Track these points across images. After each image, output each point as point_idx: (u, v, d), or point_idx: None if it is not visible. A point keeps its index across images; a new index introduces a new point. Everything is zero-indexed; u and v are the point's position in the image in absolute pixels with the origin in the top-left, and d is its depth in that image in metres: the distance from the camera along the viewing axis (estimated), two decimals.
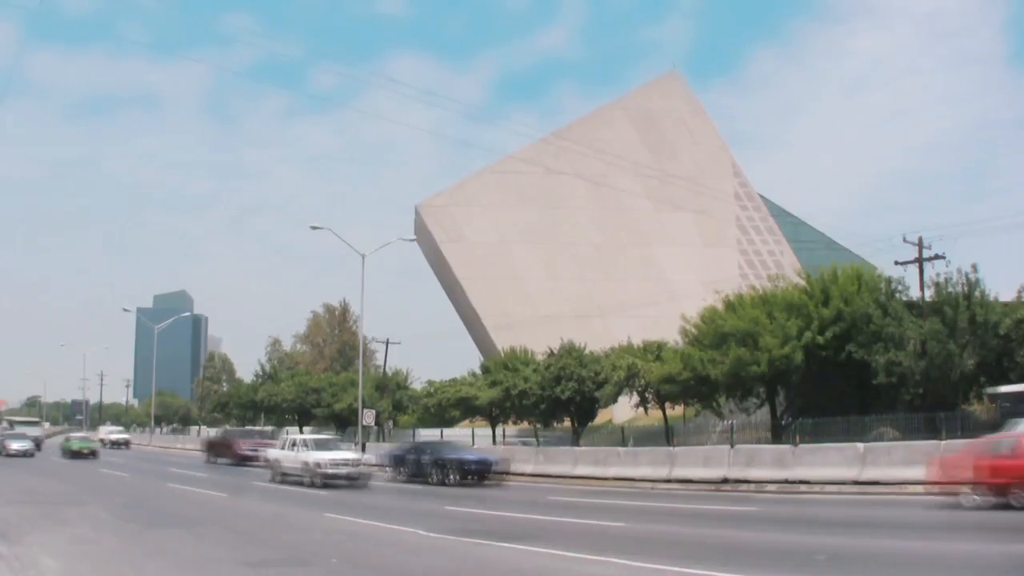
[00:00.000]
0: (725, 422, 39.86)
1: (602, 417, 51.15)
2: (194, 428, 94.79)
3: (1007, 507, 17.19)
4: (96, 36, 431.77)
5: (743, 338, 34.46)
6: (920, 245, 32.38)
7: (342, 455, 28.67)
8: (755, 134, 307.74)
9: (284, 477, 29.22)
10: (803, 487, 24.23)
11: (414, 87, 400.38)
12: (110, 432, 71.84)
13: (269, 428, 66.91)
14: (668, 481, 27.76)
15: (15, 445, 47.15)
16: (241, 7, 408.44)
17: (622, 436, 36.72)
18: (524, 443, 44.10)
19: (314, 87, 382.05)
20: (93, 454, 47.65)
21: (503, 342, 64.16)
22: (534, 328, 63.96)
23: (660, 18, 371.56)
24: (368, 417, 48.22)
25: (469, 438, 42.62)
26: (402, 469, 32.26)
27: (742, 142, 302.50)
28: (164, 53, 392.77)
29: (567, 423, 48.99)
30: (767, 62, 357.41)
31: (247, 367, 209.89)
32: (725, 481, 26.23)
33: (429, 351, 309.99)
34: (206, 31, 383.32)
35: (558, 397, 45.88)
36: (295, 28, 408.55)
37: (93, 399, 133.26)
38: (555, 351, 48.66)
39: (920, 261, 32.33)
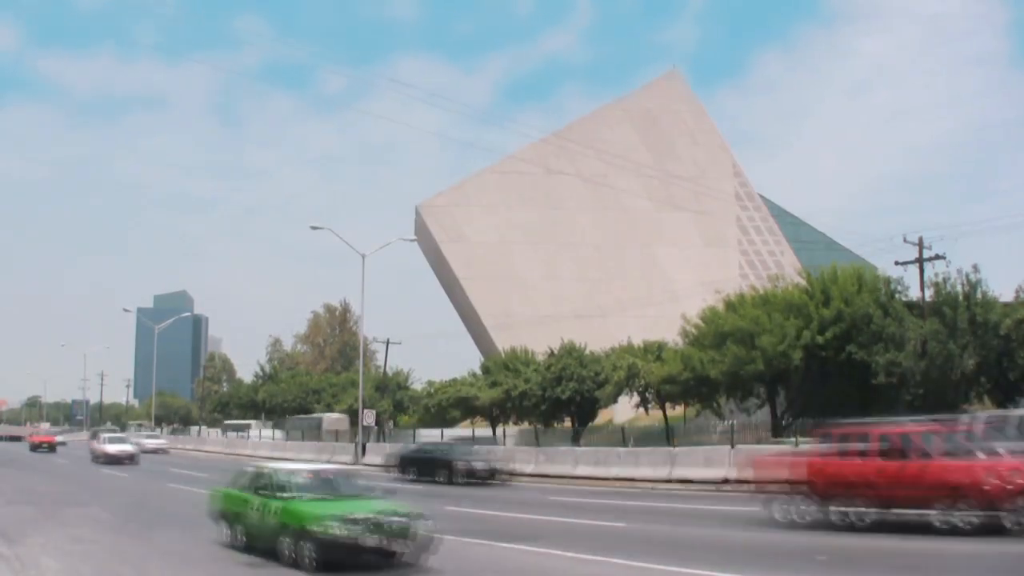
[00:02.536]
0: (725, 422, 39.85)
1: (602, 417, 51.14)
2: (194, 428, 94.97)
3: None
4: (104, 38, 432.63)
5: (742, 337, 34.47)
6: (920, 245, 32.35)
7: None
8: (758, 135, 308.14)
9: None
10: None
11: (420, 89, 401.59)
12: None
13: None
14: (669, 481, 27.75)
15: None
16: (250, 9, 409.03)
17: (622, 436, 36.71)
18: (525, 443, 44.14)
19: (321, 89, 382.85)
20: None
21: (503, 342, 64.18)
22: (534, 328, 63.95)
23: (666, 21, 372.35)
24: (368, 417, 48.23)
25: (469, 438, 42.66)
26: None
27: (745, 143, 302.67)
28: (172, 55, 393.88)
29: (567, 423, 48.99)
30: (771, 64, 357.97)
31: (247, 367, 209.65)
32: (726, 481, 26.22)
33: (429, 351, 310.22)
34: (214, 33, 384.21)
35: (558, 397, 45.86)
36: (304, 30, 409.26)
37: (93, 399, 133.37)
38: (555, 351, 48.65)
39: (920, 261, 32.29)
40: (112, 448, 41.60)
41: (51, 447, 59.87)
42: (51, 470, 37.43)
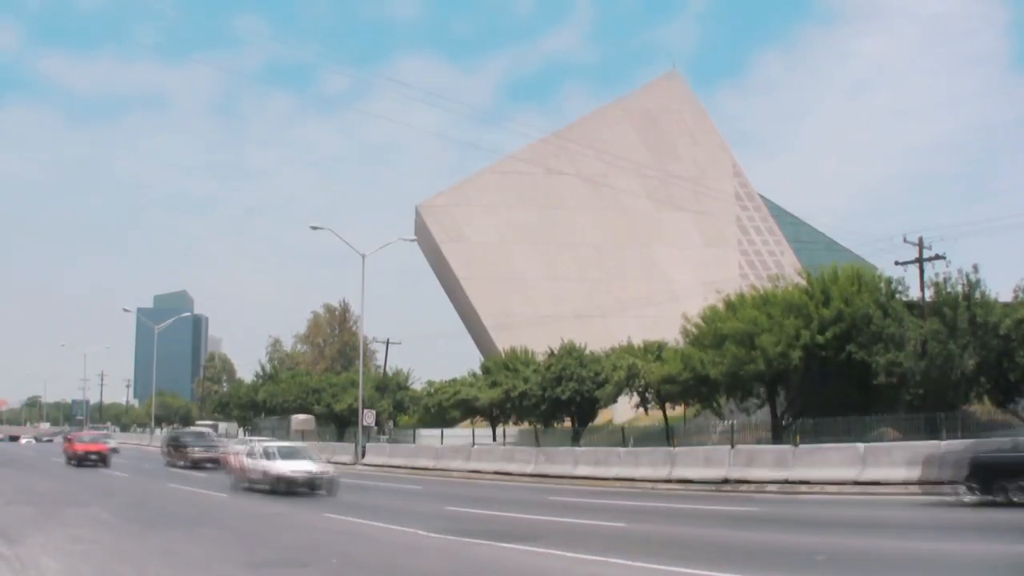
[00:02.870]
0: (725, 422, 39.84)
1: (602, 417, 51.11)
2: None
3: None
4: (105, 38, 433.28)
5: (741, 338, 34.46)
6: (920, 245, 32.35)
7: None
8: (759, 135, 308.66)
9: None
10: (803, 487, 24.24)
11: (420, 89, 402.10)
12: None
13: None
14: (668, 481, 27.76)
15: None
16: (250, 9, 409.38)
17: (622, 436, 36.69)
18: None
19: (322, 89, 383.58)
20: None
21: (503, 342, 64.17)
22: (534, 328, 63.95)
23: (667, 21, 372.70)
24: (368, 417, 48.23)
25: (470, 438, 42.64)
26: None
27: (746, 143, 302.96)
28: (172, 55, 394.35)
29: (567, 423, 48.95)
30: (772, 64, 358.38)
31: (247, 367, 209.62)
32: (726, 481, 26.24)
33: (429, 351, 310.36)
34: (215, 33, 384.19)
35: (558, 398, 45.81)
36: (304, 30, 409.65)
37: (93, 399, 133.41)
38: (555, 351, 48.62)
39: (920, 261, 32.29)
40: (287, 467, 24.77)
41: (101, 458, 39.85)
42: (50, 470, 37.39)
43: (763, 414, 37.87)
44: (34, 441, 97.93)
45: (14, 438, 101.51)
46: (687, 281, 72.53)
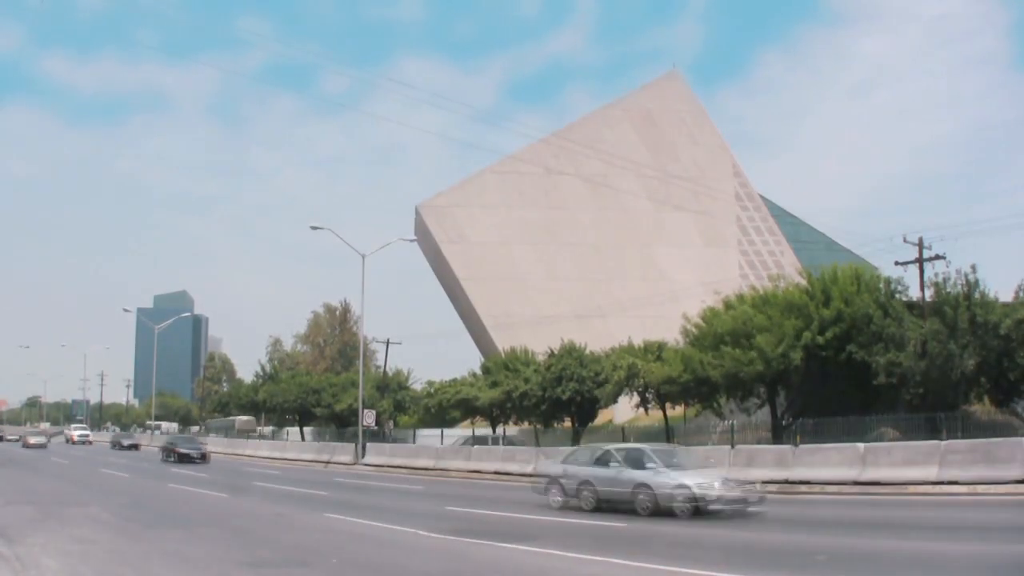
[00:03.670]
0: (726, 422, 39.82)
1: (602, 417, 51.08)
2: (195, 428, 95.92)
3: None
4: (107, 39, 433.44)
5: (736, 337, 34.47)
6: (920, 245, 32.33)
7: None
8: (760, 135, 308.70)
9: None
10: (804, 487, 24.23)
11: (423, 90, 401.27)
12: None
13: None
14: None
15: None
16: (253, 10, 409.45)
17: (622, 436, 36.67)
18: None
19: (324, 90, 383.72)
20: None
21: (503, 342, 64.14)
22: (534, 328, 63.94)
23: (669, 22, 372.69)
24: (368, 417, 48.20)
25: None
26: None
27: (747, 143, 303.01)
28: (175, 56, 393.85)
29: (567, 423, 48.94)
30: (773, 65, 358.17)
31: (247, 367, 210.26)
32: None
33: (429, 351, 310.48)
34: (217, 34, 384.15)
35: (559, 398, 45.79)
36: (307, 31, 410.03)
37: (94, 399, 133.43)
38: (555, 351, 48.59)
39: (920, 261, 32.28)
40: None
41: None
42: (50, 469, 37.39)
43: (763, 414, 37.86)
44: (89, 435, 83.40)
45: (52, 435, 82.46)
46: (687, 281, 72.52)
